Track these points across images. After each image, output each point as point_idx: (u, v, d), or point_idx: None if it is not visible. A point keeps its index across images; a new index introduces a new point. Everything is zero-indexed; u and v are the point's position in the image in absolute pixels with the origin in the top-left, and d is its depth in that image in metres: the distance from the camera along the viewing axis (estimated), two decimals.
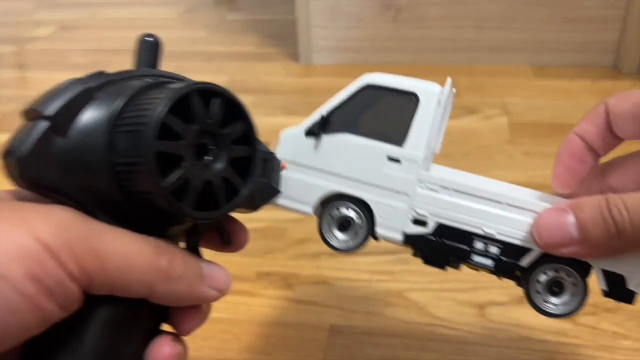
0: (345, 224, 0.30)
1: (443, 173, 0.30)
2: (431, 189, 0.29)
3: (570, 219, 0.26)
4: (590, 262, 0.28)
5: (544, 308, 0.29)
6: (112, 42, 1.35)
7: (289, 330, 0.49)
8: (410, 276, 0.54)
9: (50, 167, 0.23)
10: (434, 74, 1.08)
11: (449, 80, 0.30)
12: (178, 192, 0.23)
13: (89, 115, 0.24)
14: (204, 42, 1.33)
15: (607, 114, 0.30)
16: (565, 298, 0.28)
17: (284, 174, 0.31)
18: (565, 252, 0.27)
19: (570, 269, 0.28)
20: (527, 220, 0.28)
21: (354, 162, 0.30)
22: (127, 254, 0.23)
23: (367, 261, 0.57)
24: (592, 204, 0.26)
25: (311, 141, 0.30)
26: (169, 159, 0.23)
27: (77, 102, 0.24)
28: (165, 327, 0.28)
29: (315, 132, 0.30)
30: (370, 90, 0.30)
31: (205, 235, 0.29)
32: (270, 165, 0.31)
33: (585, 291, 0.28)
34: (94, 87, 0.24)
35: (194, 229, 0.28)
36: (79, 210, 0.23)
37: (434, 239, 0.30)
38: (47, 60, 1.25)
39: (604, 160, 0.33)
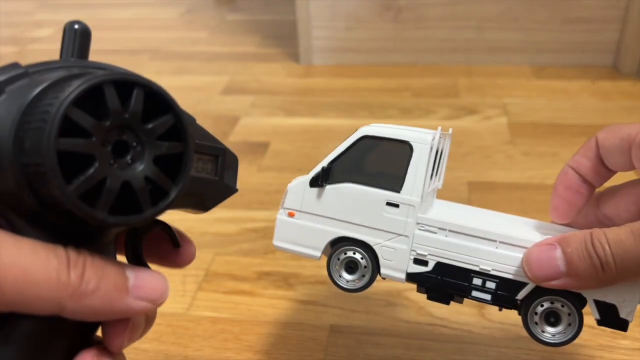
0: (352, 266, 0.33)
1: (441, 213, 0.33)
2: (429, 231, 0.32)
3: (558, 253, 0.28)
4: (583, 292, 0.30)
5: (541, 337, 0.31)
6: (112, 42, 1.36)
7: (288, 330, 0.49)
8: None
9: None
10: (433, 74, 1.09)
11: (439, 129, 0.32)
12: (91, 196, 0.20)
13: None
14: (204, 42, 1.34)
15: (597, 147, 0.32)
16: (561, 327, 0.31)
17: (292, 220, 0.33)
18: (554, 284, 0.28)
19: (565, 300, 0.30)
20: (519, 256, 0.31)
21: (356, 208, 0.32)
22: (27, 268, 0.20)
23: None
24: (577, 238, 0.28)
25: (315, 191, 0.33)
26: (80, 158, 0.20)
27: None
28: None
29: (318, 182, 0.32)
30: (367, 140, 0.32)
31: (152, 241, 0.27)
32: (224, 161, 0.28)
33: (580, 321, 0.30)
34: (3, 80, 0.22)
35: (133, 229, 0.26)
36: None
37: (434, 276, 0.32)
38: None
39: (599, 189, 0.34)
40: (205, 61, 1.20)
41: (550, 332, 0.31)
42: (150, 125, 0.22)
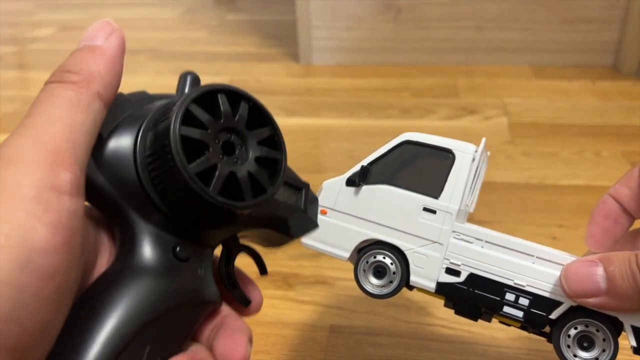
0: (380, 270, 0.32)
1: (476, 227, 0.31)
2: (465, 240, 0.31)
3: (599, 270, 0.27)
4: (621, 317, 0.28)
5: None
6: None
7: (289, 330, 0.49)
8: None
9: (97, 171, 0.25)
10: (433, 74, 1.09)
11: (484, 140, 0.32)
12: (204, 179, 0.24)
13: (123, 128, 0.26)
14: (204, 42, 1.34)
15: None
16: (594, 352, 0.29)
17: (323, 218, 0.32)
18: (592, 302, 0.27)
19: (601, 324, 0.29)
20: (556, 273, 0.29)
21: (391, 211, 0.31)
22: None
23: None
24: (621, 258, 0.27)
25: (351, 190, 0.32)
26: (196, 149, 0.24)
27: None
28: None
29: (355, 181, 0.32)
30: (408, 145, 0.32)
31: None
32: (307, 196, 0.32)
33: (615, 348, 0.29)
34: (129, 94, 0.27)
35: (227, 253, 0.29)
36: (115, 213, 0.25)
37: (465, 287, 0.31)
38: (48, 60, 1.25)
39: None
40: (205, 61, 1.20)
41: (582, 357, 0.29)
42: (253, 132, 0.26)
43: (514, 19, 1.06)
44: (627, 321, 0.29)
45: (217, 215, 0.25)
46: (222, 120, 0.25)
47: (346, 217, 0.32)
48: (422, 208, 0.31)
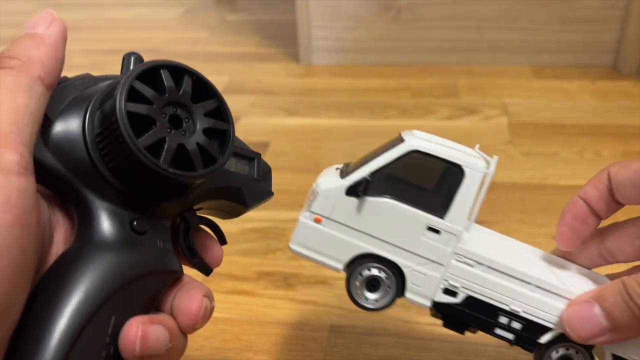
0: (374, 284, 0.31)
1: (478, 244, 0.31)
2: (466, 263, 0.30)
3: (597, 309, 0.28)
4: (602, 346, 0.30)
5: None
6: (112, 42, 1.36)
7: (289, 330, 0.49)
8: None
9: (45, 151, 0.25)
10: (433, 74, 1.09)
11: (496, 158, 0.30)
12: (153, 153, 0.25)
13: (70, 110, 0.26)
14: (204, 42, 1.34)
15: (609, 180, 0.32)
16: None
17: (318, 227, 0.31)
18: (600, 340, 0.28)
19: (580, 347, 0.30)
20: (551, 302, 0.30)
21: (393, 226, 0.30)
22: None
23: None
24: (612, 291, 0.28)
25: (351, 200, 0.30)
26: (142, 124, 0.25)
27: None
28: None
29: (357, 192, 0.30)
30: (416, 154, 0.29)
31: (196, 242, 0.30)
32: (259, 165, 0.32)
33: None
34: (74, 78, 0.28)
35: (185, 224, 0.29)
36: (67, 192, 0.26)
37: (461, 309, 0.31)
38: None
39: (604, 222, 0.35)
40: (205, 61, 1.20)
41: None
42: (199, 104, 0.27)
43: (513, 19, 1.06)
44: (608, 350, 0.30)
45: (170, 187, 0.26)
46: (166, 95, 0.26)
47: (343, 227, 0.30)
48: (426, 227, 0.30)
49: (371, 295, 0.31)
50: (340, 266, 0.31)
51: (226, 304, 0.53)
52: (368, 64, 1.13)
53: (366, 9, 1.10)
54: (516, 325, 0.31)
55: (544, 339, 0.31)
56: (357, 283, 0.31)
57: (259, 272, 0.57)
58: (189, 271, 0.30)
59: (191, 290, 0.28)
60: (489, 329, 0.31)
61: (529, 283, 0.30)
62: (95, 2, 1.72)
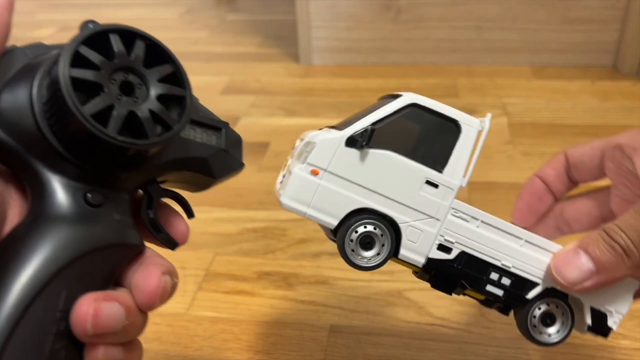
0: (368, 241, 0.30)
1: (471, 207, 0.31)
2: (462, 218, 0.31)
3: (582, 255, 0.29)
4: (582, 299, 0.32)
5: (539, 339, 0.32)
6: None
7: (288, 330, 0.49)
8: (409, 276, 0.54)
9: None
10: (433, 74, 1.09)
11: (489, 115, 0.31)
12: (103, 121, 0.23)
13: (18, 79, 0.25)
14: (204, 42, 1.34)
15: (567, 160, 0.35)
16: (557, 327, 0.32)
17: (313, 179, 0.29)
18: (588, 284, 0.29)
19: (560, 301, 0.32)
20: (539, 256, 0.31)
21: (392, 180, 0.29)
22: None
23: None
24: (594, 237, 0.29)
25: (350, 152, 0.29)
26: (91, 91, 0.23)
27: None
28: None
29: (358, 142, 0.29)
30: (415, 109, 0.29)
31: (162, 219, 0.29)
32: (227, 135, 0.31)
33: (572, 319, 0.32)
34: (24, 46, 0.26)
35: (148, 197, 0.28)
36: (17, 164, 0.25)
37: (454, 265, 0.31)
38: None
39: None
40: (205, 61, 1.20)
41: (548, 333, 0.32)
42: (152, 69, 0.25)
43: (513, 19, 1.06)
44: (588, 302, 0.32)
45: (124, 156, 0.25)
46: (116, 60, 0.24)
47: (341, 181, 0.29)
48: (425, 181, 0.30)
49: (366, 253, 0.30)
50: (335, 222, 0.29)
51: (226, 304, 0.53)
52: (368, 64, 1.13)
53: (366, 9, 1.10)
54: (506, 281, 0.31)
55: (532, 294, 0.31)
56: (352, 240, 0.29)
57: (259, 272, 0.57)
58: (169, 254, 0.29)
59: (150, 266, 0.26)
60: (479, 285, 0.31)
61: (519, 238, 0.31)
62: (95, 2, 1.72)
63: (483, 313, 0.50)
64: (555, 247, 0.32)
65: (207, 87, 1.06)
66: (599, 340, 0.47)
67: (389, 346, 0.47)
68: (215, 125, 0.30)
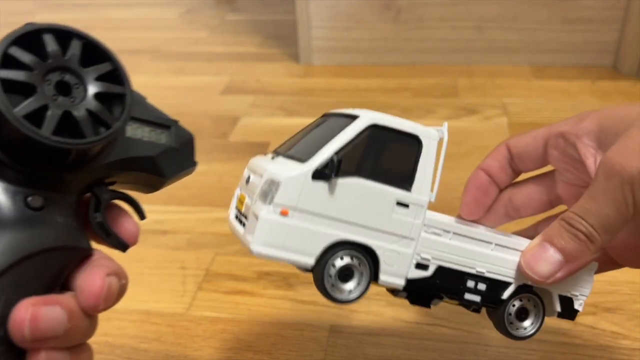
0: (347, 273, 0.29)
1: (439, 216, 0.32)
2: (435, 233, 0.31)
3: (549, 248, 0.30)
4: (550, 289, 0.33)
5: (517, 334, 0.33)
6: (112, 42, 1.34)
7: (289, 330, 0.49)
8: None
9: None
10: (433, 74, 1.09)
11: (445, 124, 0.31)
12: (37, 123, 0.23)
13: None
14: (204, 42, 1.34)
15: (509, 151, 0.36)
16: (531, 319, 0.33)
17: (284, 221, 0.27)
18: (559, 276, 0.30)
19: (532, 295, 0.33)
20: (508, 257, 0.32)
21: (364, 207, 0.28)
22: None
23: None
24: (556, 228, 0.30)
25: (318, 185, 0.27)
26: (24, 92, 0.23)
27: None
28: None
29: (326, 174, 0.27)
30: (374, 130, 0.29)
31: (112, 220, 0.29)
32: (177, 133, 0.30)
33: (544, 309, 0.33)
34: None
35: (96, 199, 0.28)
36: None
37: (432, 281, 0.31)
38: None
39: None
40: (205, 61, 1.20)
41: (523, 327, 0.33)
42: (90, 68, 0.25)
43: (513, 19, 1.06)
44: (555, 291, 0.33)
45: (62, 157, 0.25)
46: (49, 60, 0.24)
47: (312, 217, 0.28)
48: (395, 202, 0.29)
49: (345, 286, 0.29)
50: (312, 260, 0.28)
51: (226, 304, 0.53)
52: (368, 64, 1.13)
53: (366, 9, 1.10)
54: (482, 286, 0.32)
55: (506, 294, 0.32)
56: (331, 275, 0.28)
57: (259, 272, 0.57)
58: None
59: (95, 268, 0.26)
60: (458, 295, 0.32)
61: (489, 243, 0.32)
62: (95, 2, 1.72)
63: (483, 313, 0.50)
64: (522, 244, 0.32)
65: (207, 87, 1.06)
66: (599, 340, 0.47)
67: (389, 346, 0.47)
68: (164, 124, 0.30)
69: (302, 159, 0.28)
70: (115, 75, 0.26)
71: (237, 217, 0.31)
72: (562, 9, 1.03)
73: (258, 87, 1.05)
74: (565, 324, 0.49)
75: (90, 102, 0.25)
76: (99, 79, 0.25)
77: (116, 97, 0.26)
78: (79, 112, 0.24)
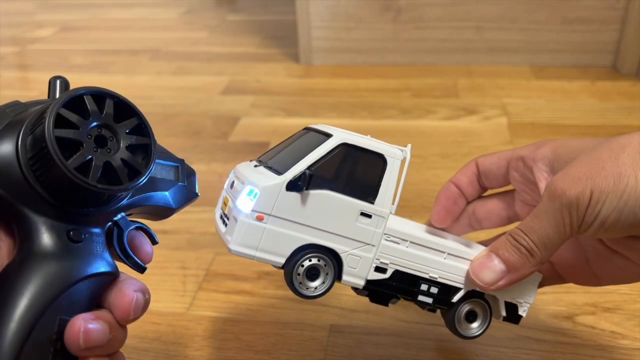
0: (314, 273, 0.33)
1: (400, 226, 0.35)
2: (394, 241, 0.34)
3: (494, 258, 0.33)
4: (497, 295, 0.37)
5: (465, 334, 0.37)
6: (112, 42, 1.36)
7: (288, 330, 0.49)
8: None
9: None
10: (433, 74, 1.09)
11: (409, 146, 0.34)
12: (83, 171, 0.28)
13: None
14: (204, 42, 1.34)
15: (477, 168, 0.40)
16: (479, 322, 0.37)
17: (260, 225, 0.31)
18: (502, 284, 0.33)
19: (480, 300, 0.37)
20: (459, 265, 0.36)
21: (331, 216, 0.32)
22: None
23: None
24: (502, 241, 0.33)
25: (291, 195, 0.31)
26: (70, 147, 0.28)
27: None
28: None
29: (299, 186, 0.31)
30: (345, 147, 0.32)
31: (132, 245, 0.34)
32: (184, 170, 0.36)
33: (491, 313, 0.37)
34: (5, 105, 0.30)
35: (119, 230, 0.32)
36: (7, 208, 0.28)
37: (389, 283, 0.35)
38: (48, 60, 1.25)
39: None
40: (205, 61, 1.20)
41: (472, 327, 0.37)
42: (121, 124, 0.30)
43: (513, 19, 1.06)
44: (501, 297, 0.37)
45: (100, 199, 0.29)
46: (90, 119, 0.29)
47: (284, 222, 0.32)
48: (359, 213, 0.33)
49: (312, 284, 0.33)
50: (283, 260, 0.32)
51: (226, 304, 0.53)
52: (368, 64, 1.13)
53: (366, 9, 1.10)
54: (434, 290, 0.36)
55: (456, 297, 0.36)
56: (299, 274, 0.32)
57: (259, 272, 0.57)
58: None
59: (124, 287, 0.30)
60: (412, 297, 0.35)
61: (442, 252, 0.35)
62: (95, 2, 1.72)
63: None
64: (470, 254, 0.35)
65: (207, 87, 1.06)
66: (598, 340, 0.47)
67: (389, 346, 0.47)
68: (173, 163, 0.35)
69: (279, 171, 0.32)
70: (140, 128, 0.31)
71: (221, 217, 0.35)
72: (562, 9, 1.03)
73: (258, 87, 1.05)
74: (565, 323, 0.49)
75: (124, 153, 0.30)
76: (130, 132, 0.30)
77: (143, 146, 0.31)
78: (116, 162, 0.29)
